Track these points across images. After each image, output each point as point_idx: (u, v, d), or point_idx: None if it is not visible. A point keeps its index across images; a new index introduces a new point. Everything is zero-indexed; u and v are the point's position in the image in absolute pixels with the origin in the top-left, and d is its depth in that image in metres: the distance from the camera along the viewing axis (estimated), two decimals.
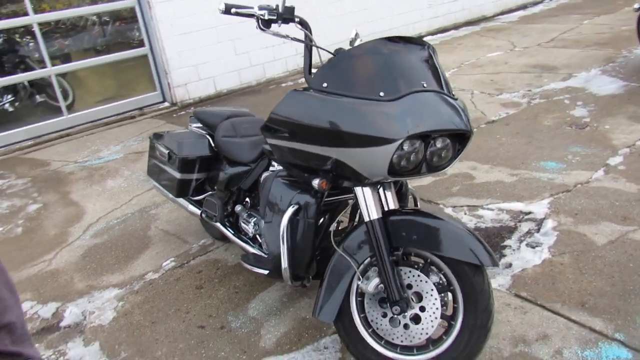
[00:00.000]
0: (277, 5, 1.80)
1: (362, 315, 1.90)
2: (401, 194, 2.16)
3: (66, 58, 6.54)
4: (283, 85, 6.75)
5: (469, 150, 3.69)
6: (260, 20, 1.80)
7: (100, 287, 2.78)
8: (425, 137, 1.70)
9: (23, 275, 2.99)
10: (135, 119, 6.05)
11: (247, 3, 1.86)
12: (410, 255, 1.86)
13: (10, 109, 6.28)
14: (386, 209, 1.91)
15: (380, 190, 1.93)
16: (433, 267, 1.82)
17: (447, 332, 1.80)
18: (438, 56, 1.87)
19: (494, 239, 2.71)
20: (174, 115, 6.04)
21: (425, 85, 1.70)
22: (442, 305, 1.82)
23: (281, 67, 7.10)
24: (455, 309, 1.78)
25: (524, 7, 10.10)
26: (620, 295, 2.16)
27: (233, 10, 1.81)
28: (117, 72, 6.73)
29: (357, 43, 2.21)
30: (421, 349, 1.85)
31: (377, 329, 1.87)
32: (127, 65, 6.43)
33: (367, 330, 1.90)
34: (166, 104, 6.31)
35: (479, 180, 3.38)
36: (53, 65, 5.76)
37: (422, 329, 1.80)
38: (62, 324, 2.52)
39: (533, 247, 2.59)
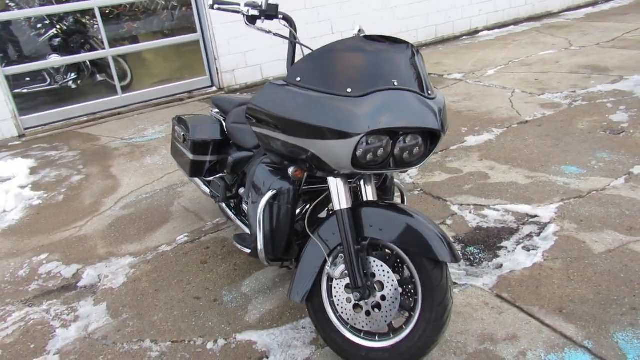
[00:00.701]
0: (262, 3, 1.91)
1: (331, 300, 2.00)
2: (385, 188, 2.23)
3: (134, 40, 6.99)
4: None
5: (491, 150, 3.67)
6: (245, 16, 1.92)
7: (118, 254, 3.03)
8: (394, 134, 1.76)
9: (55, 238, 3.30)
10: (184, 101, 6.37)
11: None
12: (380, 246, 1.93)
13: (73, 86, 6.80)
14: (365, 199, 1.99)
15: (361, 182, 2.02)
16: (398, 260, 1.89)
17: (407, 322, 1.87)
18: (421, 57, 1.92)
19: (492, 240, 2.71)
20: None
21: (396, 83, 1.76)
22: (405, 297, 1.89)
23: None
24: (415, 301, 1.84)
25: (593, 3, 9.61)
26: (601, 305, 2.13)
27: (216, 6, 1.94)
28: (175, 55, 7.11)
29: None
30: (382, 335, 1.93)
31: (342, 313, 1.96)
32: (185, 49, 6.77)
33: (335, 314, 1.99)
34: (214, 89, 6.59)
35: (494, 180, 3.35)
36: (111, 47, 6.15)
37: (382, 317, 1.88)
38: (80, 284, 2.78)
39: (528, 250, 2.57)
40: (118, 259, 2.98)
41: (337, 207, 1.89)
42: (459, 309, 2.22)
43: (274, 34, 2.02)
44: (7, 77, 5.62)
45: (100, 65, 6.74)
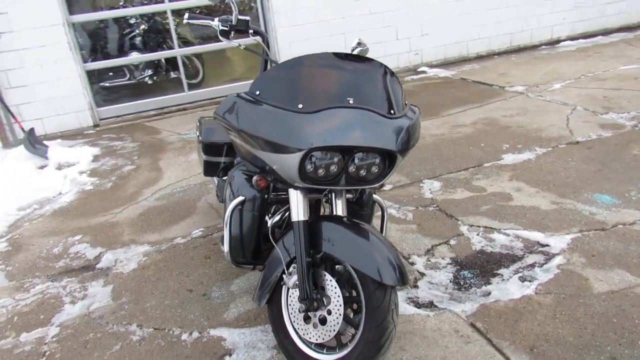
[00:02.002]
0: (232, 18, 1.99)
1: (288, 308, 2.05)
2: (362, 202, 2.22)
3: (208, 39, 7.38)
4: None
5: (525, 170, 3.50)
6: (218, 31, 2.02)
7: (138, 242, 3.28)
8: (347, 151, 1.77)
9: (92, 222, 3.63)
10: None
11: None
12: (336, 261, 1.94)
13: (149, 82, 7.34)
14: (334, 213, 2.01)
15: (333, 195, 2.04)
16: (350, 277, 1.89)
17: (352, 339, 1.87)
18: (395, 78, 1.91)
19: (490, 265, 2.59)
20: None
21: (351, 101, 1.76)
22: (353, 314, 1.89)
23: (391, 63, 7.12)
24: (360, 320, 1.84)
25: None
26: (578, 349, 1.98)
27: (191, 21, 2.05)
28: (245, 56, 7.43)
29: (355, 52, 2.33)
30: (330, 349, 1.94)
31: (294, 322, 2.00)
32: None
33: (291, 322, 2.04)
34: None
35: (515, 203, 3.19)
36: (186, 46, 6.58)
37: (326, 331, 1.89)
38: (98, 266, 3.05)
39: (523, 281, 2.43)
40: (136, 246, 3.22)
41: (294, 219, 1.92)
42: (426, 333, 2.17)
43: (244, 48, 2.09)
44: (91, 72, 6.22)
45: (174, 63, 7.21)
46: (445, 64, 7.31)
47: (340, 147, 1.73)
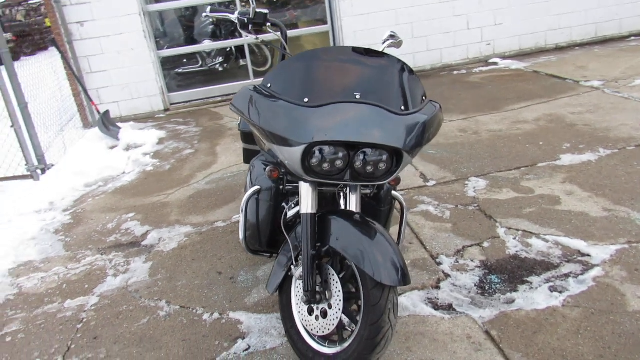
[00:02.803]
0: (250, 11, 2.02)
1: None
2: (379, 198, 2.20)
3: (293, 26, 7.49)
4: (455, 73, 6.58)
5: (582, 173, 3.28)
6: (238, 24, 2.06)
7: (182, 223, 3.45)
8: (353, 147, 1.76)
9: (146, 202, 3.87)
10: None
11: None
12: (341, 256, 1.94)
13: (220, 69, 7.62)
14: (347, 208, 2.01)
15: (347, 190, 2.04)
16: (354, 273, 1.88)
17: (350, 335, 1.87)
18: (411, 74, 1.87)
19: (521, 272, 2.47)
20: None
21: (358, 96, 1.75)
22: (354, 310, 1.89)
23: (461, 54, 6.88)
24: (359, 316, 1.83)
25: None
26: None
27: (213, 14, 2.10)
28: (316, 45, 7.46)
29: (386, 45, 2.30)
30: (332, 342, 1.95)
31: (299, 312, 2.03)
32: (317, 39, 7.11)
33: (297, 312, 2.07)
34: None
35: (563, 207, 2.99)
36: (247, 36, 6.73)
37: (326, 324, 1.90)
38: (143, 243, 3.26)
39: (552, 291, 2.29)
40: (180, 227, 3.40)
41: (302, 211, 1.94)
42: (437, 336, 2.11)
43: (261, 41, 2.12)
44: (167, 58, 6.56)
45: (243, 51, 7.42)
46: (520, 55, 6.93)
47: (343, 143, 1.72)
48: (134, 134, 5.40)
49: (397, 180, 2.16)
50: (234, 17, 2.09)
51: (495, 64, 6.73)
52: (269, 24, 2.12)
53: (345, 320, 1.90)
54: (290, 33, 6.95)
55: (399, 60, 1.90)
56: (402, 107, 1.80)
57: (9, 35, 13.88)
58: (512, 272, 2.48)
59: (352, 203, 2.02)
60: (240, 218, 2.18)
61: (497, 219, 2.95)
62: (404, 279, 1.74)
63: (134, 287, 2.77)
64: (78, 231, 3.53)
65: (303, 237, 1.91)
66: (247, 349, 2.20)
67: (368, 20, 6.47)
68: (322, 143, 1.71)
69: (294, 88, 1.79)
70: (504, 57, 6.90)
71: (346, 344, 1.86)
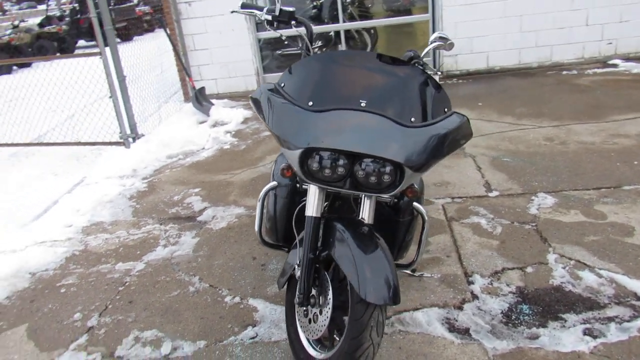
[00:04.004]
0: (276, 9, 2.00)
1: None
2: (398, 208, 2.11)
3: (395, 13, 7.37)
4: (564, 73, 6.01)
5: None
6: (265, 21, 2.05)
7: (238, 204, 3.59)
8: (355, 155, 1.70)
9: (214, 179, 4.08)
10: None
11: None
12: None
13: (319, 53, 7.69)
14: (359, 217, 1.97)
15: (363, 197, 1.98)
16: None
17: (336, 344, 1.84)
18: (428, 84, 1.77)
19: (559, 306, 2.23)
20: None
21: (363, 104, 1.68)
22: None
23: (575, 52, 6.26)
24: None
25: None
26: None
27: (240, 10, 2.10)
28: (424, 33, 7.23)
29: (432, 46, 2.20)
30: (323, 347, 1.94)
31: (297, 312, 2.03)
32: (417, 29, 6.89)
33: (297, 311, 2.08)
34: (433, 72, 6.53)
35: (634, 240, 2.64)
36: (361, 20, 6.73)
37: (315, 329, 1.89)
38: (198, 218, 3.45)
39: (585, 334, 2.05)
40: (235, 207, 3.54)
41: (307, 213, 1.93)
42: (439, 359, 2.00)
43: (284, 38, 2.09)
44: (268, 40, 6.77)
45: (345, 36, 7.39)
46: None
47: (341, 150, 1.67)
48: (223, 111, 5.67)
49: (415, 192, 2.05)
50: (260, 13, 2.09)
51: (615, 65, 6.02)
52: (294, 22, 2.09)
53: (336, 329, 1.87)
54: (389, 21, 6.83)
55: (420, 70, 1.80)
56: (412, 119, 1.70)
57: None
58: (547, 305, 2.25)
59: (366, 211, 1.96)
60: (257, 211, 2.22)
61: (551, 243, 2.69)
62: (393, 299, 1.67)
63: (176, 260, 2.96)
64: (148, 199, 3.83)
65: (305, 239, 1.90)
66: (253, 337, 2.26)
67: (472, 11, 6.10)
68: (317, 149, 1.68)
69: (302, 90, 1.77)
70: (626, 59, 6.14)
71: (331, 353, 1.84)
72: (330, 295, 1.84)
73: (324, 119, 1.69)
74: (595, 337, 2.03)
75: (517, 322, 2.18)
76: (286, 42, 7.92)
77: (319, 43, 7.67)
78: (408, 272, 2.53)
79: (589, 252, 2.58)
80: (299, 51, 7.64)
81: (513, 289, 2.38)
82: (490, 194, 3.29)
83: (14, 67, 12.37)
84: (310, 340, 1.99)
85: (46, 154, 5.34)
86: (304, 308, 1.94)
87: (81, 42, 16.53)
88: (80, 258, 3.10)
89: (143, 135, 4.96)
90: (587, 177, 3.36)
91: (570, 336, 2.05)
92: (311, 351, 1.95)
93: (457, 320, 2.22)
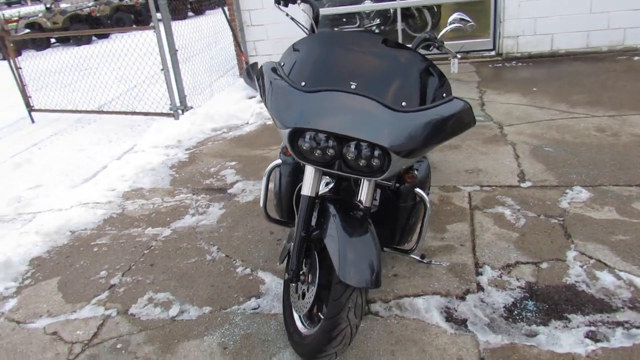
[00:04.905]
0: None
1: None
2: (399, 192, 2.09)
3: None
4: (636, 58, 5.56)
5: None
6: None
7: None
8: (344, 138, 1.70)
9: (251, 153, 4.19)
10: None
11: None
12: None
13: (376, 31, 7.56)
14: (358, 199, 1.98)
15: (362, 179, 1.98)
16: None
17: (319, 322, 1.88)
18: (425, 68, 1.73)
19: (566, 306, 2.14)
20: (490, 65, 6.01)
21: (353, 86, 1.67)
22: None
23: None
24: None
25: None
26: None
27: None
28: (482, 12, 6.95)
29: (450, 27, 2.15)
30: (311, 324, 1.98)
31: (291, 289, 2.08)
32: (478, 8, 6.59)
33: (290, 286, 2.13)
34: (492, 53, 6.27)
35: None
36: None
37: (302, 306, 1.94)
38: (229, 191, 3.58)
39: (586, 337, 1.96)
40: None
41: (302, 192, 1.96)
42: (428, 348, 1.99)
43: (291, 18, 2.09)
44: (325, 16, 6.74)
45: (403, 16, 7.22)
46: None
47: (327, 132, 1.68)
48: None
49: (414, 178, 2.02)
50: None
51: None
52: (299, 1, 2.09)
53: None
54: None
55: (418, 54, 1.76)
56: (404, 104, 1.67)
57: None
58: (555, 304, 2.16)
59: (364, 194, 1.97)
60: (262, 187, 2.27)
61: (574, 240, 2.55)
62: (373, 283, 1.68)
63: (200, 229, 3.10)
64: (187, 169, 4.01)
65: (299, 217, 1.94)
66: (255, 308, 2.35)
67: None
68: (304, 129, 1.69)
69: (297, 70, 1.79)
70: None
71: (314, 330, 1.88)
72: (317, 273, 1.87)
73: (313, 100, 1.69)
74: (596, 341, 1.93)
75: (518, 317, 2.11)
76: (344, 20, 7.74)
77: (377, 21, 7.54)
78: (417, 257, 2.50)
79: (613, 251, 2.43)
80: (357, 28, 7.53)
81: (522, 284, 2.30)
82: (522, 184, 3.16)
83: (94, 38, 13.13)
84: (301, 316, 2.04)
85: (106, 122, 5.69)
86: (294, 284, 1.99)
87: (158, 15, 17.20)
88: (116, 220, 3.31)
89: (192, 107, 5.15)
90: (632, 173, 3.14)
91: (570, 337, 1.97)
92: (299, 325, 2.01)
93: (456, 310, 2.19)
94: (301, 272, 1.93)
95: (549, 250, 2.50)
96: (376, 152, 1.69)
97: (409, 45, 1.99)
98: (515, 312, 2.15)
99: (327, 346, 1.78)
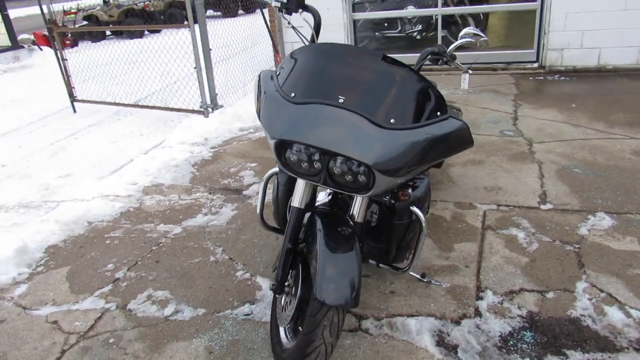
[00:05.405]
0: None
1: None
2: (394, 209, 2.04)
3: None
4: None
5: None
6: (277, 8, 2.04)
7: None
8: (329, 152, 1.67)
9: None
10: (496, 72, 6.13)
11: None
12: None
13: (418, 37, 7.45)
14: (350, 213, 1.95)
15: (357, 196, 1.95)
16: None
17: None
18: (418, 86, 1.68)
19: (567, 340, 2.02)
20: (530, 78, 5.79)
21: (341, 101, 1.64)
22: None
23: None
24: None
25: None
26: None
27: None
28: (528, 21, 6.73)
29: (460, 42, 2.09)
30: (293, 337, 1.96)
31: (277, 298, 2.06)
32: (524, 18, 6.38)
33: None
34: (535, 65, 6.03)
35: None
36: (441, 6, 6.41)
37: (284, 318, 1.91)
38: (244, 192, 3.60)
39: None
40: None
41: (292, 203, 1.94)
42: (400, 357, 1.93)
43: (292, 27, 2.06)
44: (368, 21, 6.70)
45: (446, 23, 7.08)
46: None
47: (311, 146, 1.65)
48: None
49: (407, 196, 1.96)
50: (269, 0, 2.09)
51: None
52: (301, 10, 2.06)
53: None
54: (493, 7, 6.40)
55: (412, 71, 1.71)
56: (392, 121, 1.62)
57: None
58: (554, 337, 2.05)
59: (356, 208, 1.94)
60: (259, 194, 2.27)
61: (587, 270, 2.41)
62: (350, 303, 1.65)
63: (210, 229, 3.13)
64: (208, 168, 4.06)
65: (287, 229, 1.92)
66: (247, 314, 2.34)
67: (586, 1, 5.48)
68: (290, 142, 1.67)
69: (289, 81, 1.77)
70: None
71: (292, 344, 1.86)
72: (298, 287, 1.85)
73: (300, 112, 1.67)
74: None
75: (512, 349, 2.01)
76: (386, 24, 7.66)
77: (419, 27, 7.42)
78: (417, 276, 2.44)
79: (627, 286, 2.28)
80: (399, 34, 7.45)
81: (523, 313, 2.19)
82: (542, 206, 3.02)
83: (146, 32, 13.55)
84: (286, 328, 2.02)
85: (141, 115, 5.85)
86: (278, 295, 1.97)
87: (209, 12, 17.60)
88: (132, 215, 3.40)
89: (222, 106, 5.22)
90: None
91: None
92: (283, 337, 1.99)
93: (449, 335, 2.11)
94: (286, 284, 1.92)
95: (558, 279, 2.38)
96: (361, 169, 1.65)
97: (412, 64, 1.93)
98: (511, 342, 2.05)
99: None
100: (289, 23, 2.19)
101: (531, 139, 4.00)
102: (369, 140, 1.59)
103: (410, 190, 1.97)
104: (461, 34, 2.14)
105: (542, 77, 5.77)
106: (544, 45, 5.84)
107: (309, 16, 2.17)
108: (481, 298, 2.30)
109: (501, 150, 3.83)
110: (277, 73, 1.87)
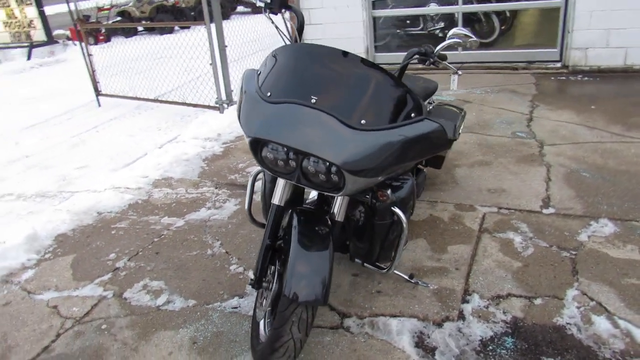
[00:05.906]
0: None
1: None
2: (375, 209, 2.05)
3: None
4: None
5: None
6: (262, 6, 2.07)
7: None
8: (301, 152, 1.70)
9: None
10: (516, 71, 6.01)
11: None
12: None
13: (440, 35, 7.35)
14: (331, 211, 1.98)
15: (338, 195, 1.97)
16: None
17: None
18: (391, 87, 1.69)
19: (548, 349, 1.99)
20: (552, 77, 5.65)
21: (313, 101, 1.66)
22: None
23: None
24: None
25: None
26: None
27: None
28: (540, 21, 6.60)
29: (447, 42, 2.09)
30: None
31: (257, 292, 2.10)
32: (548, 15, 6.22)
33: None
34: (557, 65, 5.88)
35: None
36: (463, 4, 6.31)
37: (260, 313, 1.95)
38: None
39: None
40: None
41: (273, 200, 1.97)
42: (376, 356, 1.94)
43: (276, 26, 2.08)
44: (389, 18, 6.66)
45: (469, 20, 6.97)
46: None
47: (284, 145, 1.68)
48: None
49: (386, 197, 1.96)
50: (253, 0, 2.12)
51: None
52: (284, 10, 2.08)
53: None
54: (512, 5, 6.27)
55: (387, 74, 1.71)
56: (363, 122, 1.63)
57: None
58: (536, 345, 2.02)
59: (336, 207, 1.97)
60: (247, 190, 2.31)
61: (580, 278, 2.37)
62: (319, 300, 1.67)
63: (211, 223, 3.20)
64: (218, 163, 4.14)
65: (267, 225, 1.96)
66: (235, 308, 2.40)
67: None
68: (264, 141, 1.71)
69: (268, 80, 1.80)
70: None
71: (265, 337, 1.90)
72: (274, 284, 1.88)
73: (273, 111, 1.70)
74: None
75: (491, 354, 2.00)
76: (408, 22, 7.57)
77: (441, 24, 7.32)
78: (405, 276, 2.44)
79: (620, 296, 2.22)
80: (421, 31, 7.36)
81: (507, 318, 2.17)
82: (544, 211, 2.96)
83: (176, 28, 13.82)
84: (265, 322, 2.06)
85: (161, 110, 5.99)
86: (256, 290, 2.01)
87: (240, 8, 17.83)
88: (139, 207, 3.50)
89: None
90: None
91: None
92: (261, 331, 2.02)
93: (429, 337, 2.11)
94: (265, 279, 1.96)
95: (549, 286, 2.34)
96: (333, 169, 1.67)
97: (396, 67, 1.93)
98: (490, 347, 2.03)
99: (270, 356, 1.79)
100: (272, 23, 2.22)
101: (543, 141, 3.91)
102: (339, 140, 1.61)
103: (389, 191, 1.98)
104: (450, 34, 2.12)
105: (564, 78, 5.63)
106: (567, 44, 5.69)
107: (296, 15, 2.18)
108: (467, 301, 2.29)
109: (510, 152, 3.77)
110: (258, 72, 1.90)
